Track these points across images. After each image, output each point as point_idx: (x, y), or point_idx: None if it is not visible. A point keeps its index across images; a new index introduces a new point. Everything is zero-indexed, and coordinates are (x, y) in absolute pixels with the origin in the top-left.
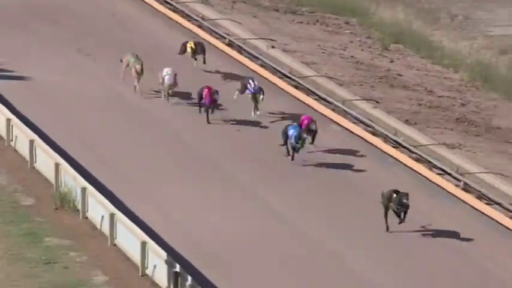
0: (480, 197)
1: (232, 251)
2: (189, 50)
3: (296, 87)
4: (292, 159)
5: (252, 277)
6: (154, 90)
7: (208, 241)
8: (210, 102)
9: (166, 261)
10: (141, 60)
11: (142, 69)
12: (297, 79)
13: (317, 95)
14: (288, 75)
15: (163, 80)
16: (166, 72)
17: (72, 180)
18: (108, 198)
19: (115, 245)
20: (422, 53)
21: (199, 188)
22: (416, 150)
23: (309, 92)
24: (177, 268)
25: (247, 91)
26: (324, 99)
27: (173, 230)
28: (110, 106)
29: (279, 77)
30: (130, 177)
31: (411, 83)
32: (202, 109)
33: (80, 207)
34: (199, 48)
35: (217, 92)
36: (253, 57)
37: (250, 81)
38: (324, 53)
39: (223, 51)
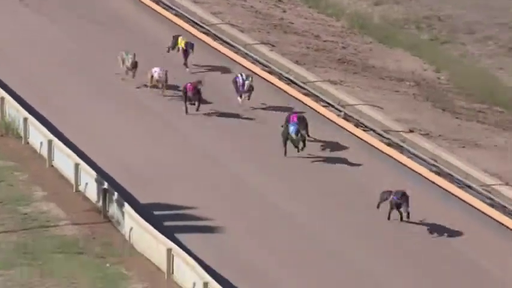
0: (358, 125)
1: (160, 176)
2: (180, 47)
3: (205, 33)
4: (298, 151)
5: (178, 198)
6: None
7: (136, 165)
8: (192, 94)
9: (96, 180)
10: (133, 56)
11: (135, 63)
12: (206, 26)
13: (222, 39)
14: (199, 23)
15: (152, 76)
16: (155, 71)
17: (16, 112)
18: (47, 127)
19: (52, 166)
20: (310, 4)
21: (132, 122)
22: (305, 86)
23: (215, 37)
24: (105, 185)
25: (239, 86)
26: (228, 43)
27: (104, 155)
28: (51, 52)
29: (191, 25)
30: (66, 108)
31: (301, 30)
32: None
33: (22, 134)
34: (189, 47)
35: (200, 82)
36: (169, 8)
37: (239, 76)
38: (227, 3)
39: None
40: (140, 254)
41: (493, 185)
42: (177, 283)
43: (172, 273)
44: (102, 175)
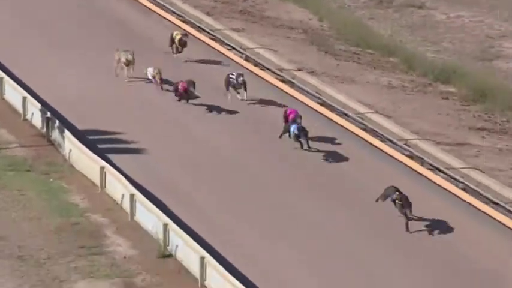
0: (256, 64)
1: (94, 106)
2: (176, 41)
3: None
4: (303, 146)
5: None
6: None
7: (74, 98)
8: (185, 92)
9: (40, 110)
10: (131, 53)
11: (133, 60)
12: None
13: None
14: None
15: (146, 75)
16: (149, 70)
17: None
18: None
19: (3, 99)
20: None
21: (73, 63)
22: (213, 33)
23: None
24: (48, 114)
25: (231, 83)
26: None
27: (46, 89)
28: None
29: None
30: (17, 52)
31: None
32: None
33: None
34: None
35: (193, 83)
36: None
37: (231, 74)
38: None
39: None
40: (78, 171)
41: (366, 113)
42: (108, 195)
43: (105, 187)
44: (45, 106)
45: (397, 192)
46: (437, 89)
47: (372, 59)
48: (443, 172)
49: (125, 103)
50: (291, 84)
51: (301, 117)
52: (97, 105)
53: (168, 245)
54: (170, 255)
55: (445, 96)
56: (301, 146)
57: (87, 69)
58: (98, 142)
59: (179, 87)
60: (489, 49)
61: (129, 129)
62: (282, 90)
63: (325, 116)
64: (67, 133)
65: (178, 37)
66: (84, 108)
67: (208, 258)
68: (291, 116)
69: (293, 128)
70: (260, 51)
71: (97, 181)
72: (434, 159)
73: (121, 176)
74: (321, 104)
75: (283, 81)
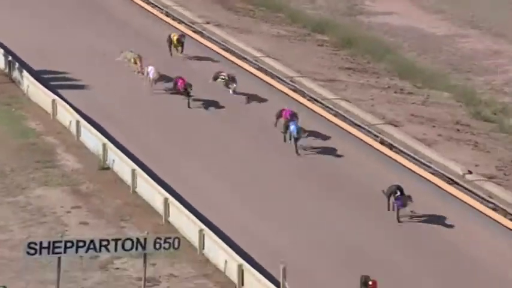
0: (174, 19)
1: (47, 51)
2: (174, 42)
3: None
4: (297, 151)
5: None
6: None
7: (32, 45)
8: (183, 89)
9: (3, 54)
10: (138, 54)
11: (140, 59)
12: None
13: None
14: None
15: (147, 74)
16: (150, 70)
17: None
18: None
19: None
20: None
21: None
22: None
23: None
24: (10, 58)
25: (220, 79)
26: None
27: (12, 43)
28: None
29: None
30: None
31: None
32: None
33: None
34: (182, 40)
35: (190, 85)
36: None
37: (222, 73)
38: None
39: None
40: (35, 103)
41: (260, 57)
42: (58, 121)
43: (56, 115)
44: (7, 51)
45: (398, 191)
46: (314, 37)
47: (264, 15)
48: (319, 102)
49: (74, 50)
50: (201, 34)
51: (296, 115)
52: (49, 49)
53: (107, 160)
54: (108, 168)
55: (320, 43)
56: (296, 150)
57: (44, 25)
58: (51, 80)
59: (178, 83)
60: (354, 6)
61: (76, 71)
62: (195, 39)
63: (229, 60)
64: (25, 72)
65: (175, 38)
66: (39, 53)
67: (138, 170)
68: (286, 116)
69: (293, 129)
70: (177, 8)
71: (50, 110)
72: (312, 92)
73: (68, 106)
74: (225, 50)
75: (195, 31)
